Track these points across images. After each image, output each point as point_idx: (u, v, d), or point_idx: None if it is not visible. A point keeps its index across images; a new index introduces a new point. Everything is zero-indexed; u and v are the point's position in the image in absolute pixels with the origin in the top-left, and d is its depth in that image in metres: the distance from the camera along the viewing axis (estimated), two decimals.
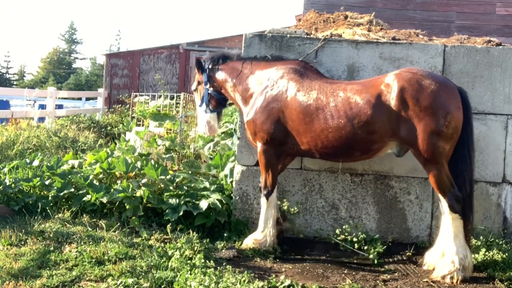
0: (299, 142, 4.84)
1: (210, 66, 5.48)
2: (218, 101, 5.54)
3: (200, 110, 5.58)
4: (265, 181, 5.02)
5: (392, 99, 4.48)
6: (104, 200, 5.71)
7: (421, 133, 4.40)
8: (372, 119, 4.51)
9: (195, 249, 4.66)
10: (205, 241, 4.98)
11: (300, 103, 4.79)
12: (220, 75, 5.41)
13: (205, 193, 5.61)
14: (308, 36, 5.64)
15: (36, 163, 6.92)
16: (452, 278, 4.41)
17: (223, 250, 4.94)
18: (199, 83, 5.58)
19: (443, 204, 4.51)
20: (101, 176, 6.35)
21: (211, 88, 5.49)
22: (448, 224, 4.50)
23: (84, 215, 5.55)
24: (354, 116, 4.56)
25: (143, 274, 4.17)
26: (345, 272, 4.62)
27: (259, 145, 5.01)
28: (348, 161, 5.09)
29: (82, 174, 6.27)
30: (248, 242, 5.05)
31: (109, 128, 12.72)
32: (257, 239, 5.03)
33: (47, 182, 6.11)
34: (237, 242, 5.17)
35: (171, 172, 6.24)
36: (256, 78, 5.15)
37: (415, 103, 4.42)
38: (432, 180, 4.53)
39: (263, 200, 5.05)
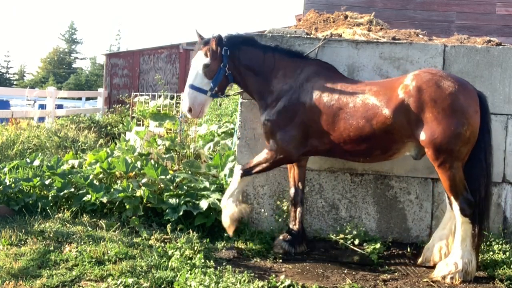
0: (321, 142, 4.82)
1: (230, 47, 5.03)
2: (225, 87, 5.20)
3: (195, 88, 4.98)
4: (254, 166, 4.92)
5: (410, 100, 4.46)
6: (104, 200, 5.71)
7: (438, 135, 4.37)
8: (392, 120, 4.50)
9: (195, 249, 4.67)
10: (205, 241, 4.98)
11: (324, 105, 4.75)
12: (240, 61, 5.05)
13: (205, 193, 5.61)
14: (308, 36, 5.64)
15: (36, 163, 6.92)
16: (452, 278, 4.41)
17: (223, 250, 4.94)
18: (214, 58, 4.97)
19: (454, 207, 4.48)
20: (101, 176, 6.35)
21: (229, 71, 5.04)
22: (457, 227, 4.48)
23: (84, 215, 5.55)
24: (373, 116, 4.55)
25: (143, 274, 4.17)
26: (345, 272, 4.62)
27: (272, 145, 4.91)
28: (368, 161, 5.03)
29: (82, 174, 6.27)
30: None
31: (109, 128, 12.72)
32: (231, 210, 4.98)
33: (47, 182, 6.11)
34: (238, 243, 5.17)
35: (171, 172, 6.24)
36: (278, 75, 5.00)
37: (433, 104, 4.40)
38: (445, 182, 4.49)
39: (237, 174, 4.94)
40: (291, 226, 5.14)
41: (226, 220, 4.96)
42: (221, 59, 4.98)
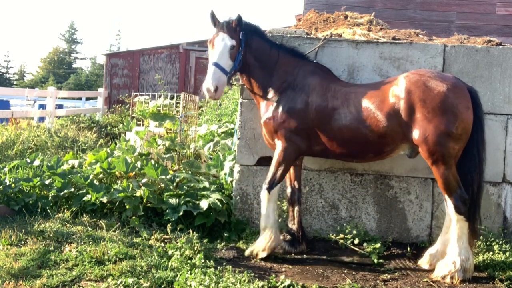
0: (316, 142, 4.84)
1: (246, 33, 4.92)
2: (235, 74, 5.06)
3: (221, 68, 4.74)
4: (273, 176, 4.84)
5: (400, 102, 4.51)
6: (104, 200, 5.71)
7: (429, 134, 4.41)
8: (383, 122, 4.54)
9: (195, 249, 4.67)
10: (205, 241, 4.99)
11: (319, 105, 4.78)
12: (251, 50, 4.96)
13: (205, 193, 5.61)
14: (308, 36, 5.64)
15: (36, 163, 6.92)
16: (452, 278, 4.41)
17: (223, 250, 4.94)
18: (236, 41, 4.84)
19: (449, 205, 4.51)
20: (101, 176, 6.35)
21: (241, 58, 4.91)
22: (453, 225, 4.50)
23: (84, 215, 5.55)
24: (365, 119, 4.58)
25: (143, 274, 4.17)
26: (345, 272, 4.62)
27: (279, 143, 4.87)
28: (361, 162, 5.10)
29: (82, 174, 6.27)
30: (253, 246, 4.89)
31: (109, 128, 12.73)
32: (261, 238, 4.87)
33: (47, 182, 6.11)
34: (238, 243, 5.17)
35: (171, 172, 6.24)
36: (280, 72, 5.00)
37: (423, 105, 4.44)
38: (439, 180, 4.52)
39: (263, 194, 4.87)
40: (290, 225, 5.13)
41: (263, 247, 4.84)
42: (240, 43, 4.88)
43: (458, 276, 4.40)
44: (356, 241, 5.16)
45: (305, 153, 5.02)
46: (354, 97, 4.70)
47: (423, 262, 4.83)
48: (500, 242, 5.12)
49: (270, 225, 4.85)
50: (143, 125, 8.16)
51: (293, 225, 5.10)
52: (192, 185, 5.84)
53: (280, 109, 4.87)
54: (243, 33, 4.88)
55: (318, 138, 4.83)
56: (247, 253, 4.89)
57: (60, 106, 17.11)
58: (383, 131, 4.56)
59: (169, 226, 5.11)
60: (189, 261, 4.43)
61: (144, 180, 5.92)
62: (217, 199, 5.46)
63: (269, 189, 4.85)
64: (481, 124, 4.58)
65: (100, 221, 5.40)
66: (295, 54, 5.15)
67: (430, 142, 4.42)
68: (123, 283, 3.97)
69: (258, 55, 5.00)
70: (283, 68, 5.01)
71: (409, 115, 4.48)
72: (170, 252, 4.63)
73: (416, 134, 4.47)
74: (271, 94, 4.97)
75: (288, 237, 5.06)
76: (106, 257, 4.49)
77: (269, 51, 5.03)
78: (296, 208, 5.09)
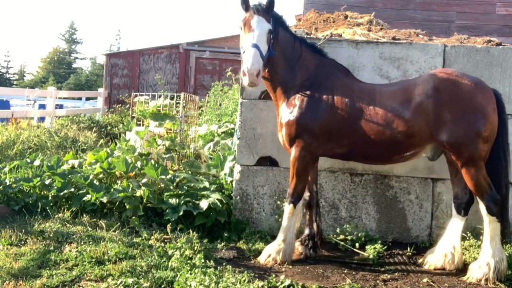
0: (339, 144, 4.67)
1: (274, 21, 4.66)
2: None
3: (260, 51, 4.40)
4: (295, 187, 4.69)
5: (429, 101, 4.42)
6: (104, 200, 5.71)
7: (459, 135, 4.34)
8: (411, 121, 4.44)
9: (195, 249, 4.66)
10: (205, 241, 4.99)
11: (345, 105, 4.61)
12: (277, 40, 4.69)
13: (205, 193, 5.61)
14: (308, 36, 5.64)
15: (37, 163, 6.92)
16: (487, 280, 4.37)
17: (223, 250, 4.94)
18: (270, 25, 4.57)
19: (481, 206, 4.44)
20: (101, 176, 6.35)
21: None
22: (485, 226, 4.45)
23: (84, 215, 5.55)
24: (393, 119, 4.47)
25: (143, 274, 4.17)
26: (345, 272, 4.62)
27: (295, 150, 4.67)
28: (384, 164, 4.99)
29: (82, 174, 6.27)
30: (270, 252, 4.75)
31: (109, 128, 12.73)
32: (279, 249, 4.74)
33: (47, 182, 6.11)
34: (238, 243, 5.16)
35: (171, 172, 6.23)
36: (302, 68, 4.78)
37: (453, 104, 4.37)
38: (470, 182, 4.43)
39: (288, 207, 4.73)
40: (306, 230, 4.99)
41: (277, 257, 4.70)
42: (272, 29, 4.59)
43: (492, 277, 4.36)
44: (356, 241, 5.15)
45: (324, 156, 4.86)
46: (380, 97, 4.57)
47: (423, 262, 4.83)
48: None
49: (290, 237, 4.76)
50: (143, 125, 8.16)
51: (311, 229, 4.98)
52: (192, 185, 5.83)
53: (304, 111, 4.64)
54: (272, 19, 4.62)
55: (341, 141, 4.65)
56: (263, 261, 4.73)
57: (60, 106, 17.12)
58: (411, 131, 4.45)
59: (169, 226, 5.11)
60: (189, 261, 4.43)
61: (144, 180, 5.92)
62: (217, 199, 5.46)
63: (295, 203, 4.72)
64: (505, 126, 4.54)
65: (100, 221, 5.40)
66: (315, 50, 4.96)
67: (460, 143, 4.34)
68: (123, 283, 3.96)
69: (283, 47, 4.74)
70: (305, 64, 4.82)
71: (438, 114, 4.38)
72: (170, 252, 4.63)
73: (444, 135, 4.37)
74: (293, 91, 4.75)
75: (310, 243, 4.95)
76: (106, 257, 4.49)
77: (293, 44, 4.82)
78: (314, 211, 4.97)
